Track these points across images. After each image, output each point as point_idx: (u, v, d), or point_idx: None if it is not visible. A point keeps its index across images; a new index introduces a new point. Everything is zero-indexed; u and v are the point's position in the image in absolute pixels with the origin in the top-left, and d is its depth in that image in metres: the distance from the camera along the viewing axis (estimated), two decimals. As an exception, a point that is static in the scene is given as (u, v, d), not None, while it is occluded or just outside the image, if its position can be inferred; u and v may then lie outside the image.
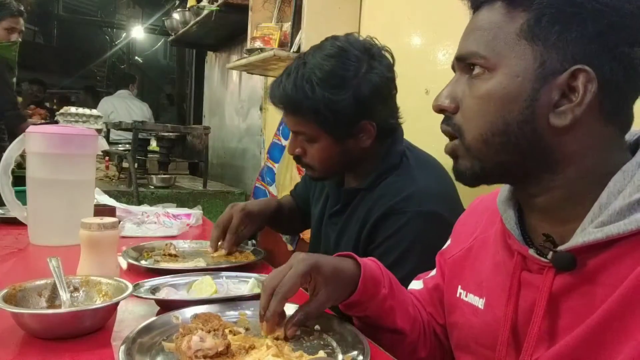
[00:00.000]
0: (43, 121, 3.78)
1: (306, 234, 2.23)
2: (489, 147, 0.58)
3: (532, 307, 0.59)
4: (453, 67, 0.64)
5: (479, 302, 0.70)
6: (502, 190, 0.70)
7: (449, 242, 0.84)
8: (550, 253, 0.58)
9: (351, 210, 1.13)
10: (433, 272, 0.86)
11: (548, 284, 0.57)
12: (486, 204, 0.78)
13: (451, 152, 0.63)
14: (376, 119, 1.06)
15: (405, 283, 0.94)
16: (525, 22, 0.55)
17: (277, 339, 0.68)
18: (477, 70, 0.58)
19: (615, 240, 0.53)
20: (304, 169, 1.19)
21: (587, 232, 0.54)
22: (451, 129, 0.61)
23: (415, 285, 0.88)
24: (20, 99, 3.99)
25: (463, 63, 0.61)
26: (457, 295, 0.74)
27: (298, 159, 1.13)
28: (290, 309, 0.72)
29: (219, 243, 1.19)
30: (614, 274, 0.53)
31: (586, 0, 0.52)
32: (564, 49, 0.53)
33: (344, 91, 1.01)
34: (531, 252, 0.60)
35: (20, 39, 2.94)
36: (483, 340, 0.67)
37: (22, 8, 2.95)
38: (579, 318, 0.55)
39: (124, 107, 4.70)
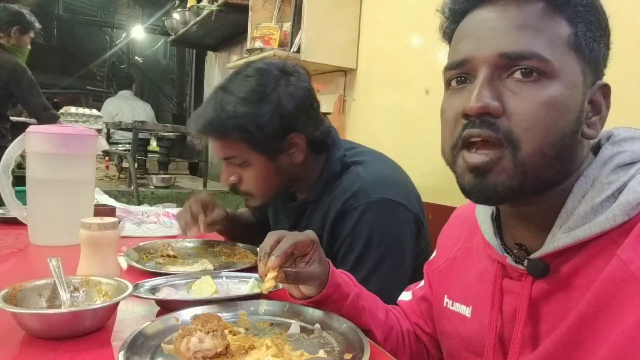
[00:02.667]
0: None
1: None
2: (543, 159, 0.53)
3: (515, 314, 0.60)
4: (465, 63, 0.57)
5: (465, 310, 0.71)
6: None
7: (435, 252, 0.85)
8: (526, 261, 0.60)
9: (306, 222, 1.15)
10: (422, 283, 0.87)
11: (527, 291, 0.59)
12: (467, 213, 0.78)
13: (489, 164, 0.54)
14: (303, 132, 1.07)
15: (375, 275, 0.96)
16: (573, 34, 0.54)
17: (273, 285, 0.71)
18: (534, 74, 0.53)
19: (584, 245, 0.55)
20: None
21: (556, 238, 0.56)
22: (499, 136, 0.53)
23: (405, 296, 0.90)
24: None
25: (511, 62, 0.54)
26: (444, 304, 0.76)
27: (234, 189, 1.13)
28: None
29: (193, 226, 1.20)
30: (585, 277, 0.55)
31: (606, 24, 0.57)
32: (596, 65, 0.56)
33: (265, 105, 1.02)
34: (509, 260, 0.62)
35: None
36: (473, 347, 0.69)
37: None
38: (557, 322, 0.56)
39: (128, 107, 4.76)
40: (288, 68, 1.08)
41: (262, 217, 1.40)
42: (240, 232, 1.35)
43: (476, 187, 0.56)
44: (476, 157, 0.55)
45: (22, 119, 3.34)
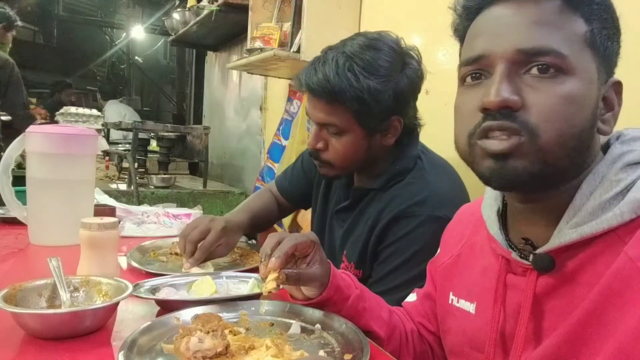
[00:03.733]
0: (43, 121, 3.79)
1: (303, 223, 2.23)
2: (562, 149, 0.54)
3: (518, 309, 0.60)
4: (481, 59, 0.57)
5: (470, 307, 0.71)
6: (485, 197, 0.71)
7: (438, 250, 0.84)
8: (531, 256, 0.60)
9: (361, 209, 1.12)
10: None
11: (531, 286, 0.59)
12: (471, 211, 0.79)
13: (511, 149, 0.54)
14: (405, 116, 1.06)
15: (410, 286, 0.94)
16: (589, 31, 0.55)
17: (273, 288, 0.70)
18: (551, 70, 0.54)
19: (591, 240, 0.55)
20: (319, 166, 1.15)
21: (563, 234, 0.56)
22: (518, 127, 0.54)
23: (410, 298, 0.90)
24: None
25: (529, 58, 0.54)
26: (449, 301, 0.75)
27: (316, 154, 1.09)
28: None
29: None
30: (590, 273, 0.55)
31: (618, 23, 0.58)
32: (609, 62, 0.57)
33: (387, 83, 1.00)
34: (514, 255, 0.62)
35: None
36: (476, 343, 0.68)
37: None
38: (561, 318, 0.56)
39: (130, 110, 5.34)
40: (406, 49, 1.06)
41: (293, 191, 1.38)
42: (260, 226, 1.33)
43: (497, 172, 0.55)
44: (496, 144, 0.54)
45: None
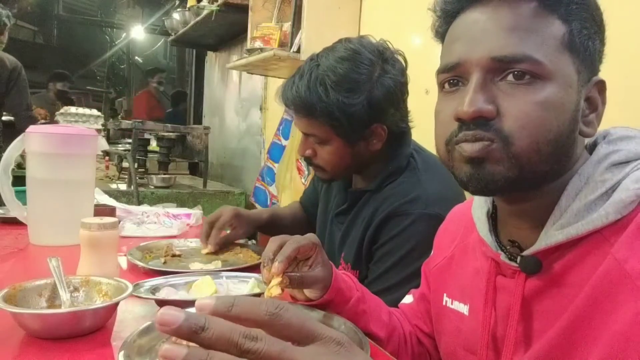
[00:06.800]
0: (43, 121, 3.79)
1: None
2: (538, 155, 0.53)
3: (508, 311, 0.60)
4: (457, 66, 0.57)
5: (464, 308, 0.71)
6: (475, 198, 0.71)
7: (432, 252, 0.84)
8: (518, 257, 0.59)
9: (357, 210, 1.13)
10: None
11: (520, 288, 0.59)
12: (463, 211, 0.78)
13: (482, 155, 0.54)
14: (388, 123, 1.07)
15: (405, 285, 0.94)
16: (567, 33, 0.54)
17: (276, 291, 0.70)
18: (527, 76, 0.53)
19: (577, 242, 0.55)
20: (305, 170, 1.20)
21: (549, 235, 0.56)
22: (492, 135, 0.53)
23: (407, 299, 0.90)
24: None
25: (503, 65, 0.53)
26: (444, 303, 0.75)
27: (308, 160, 1.14)
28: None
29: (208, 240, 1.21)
30: (578, 275, 0.54)
31: (600, 20, 0.57)
32: (591, 62, 0.56)
33: (357, 95, 1.01)
34: (502, 257, 0.62)
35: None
36: (469, 345, 0.68)
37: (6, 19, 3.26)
38: (551, 320, 0.56)
39: None
40: (387, 54, 1.06)
41: (312, 206, 1.42)
42: (287, 231, 1.37)
43: (474, 177, 0.55)
44: (471, 147, 0.54)
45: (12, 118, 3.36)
